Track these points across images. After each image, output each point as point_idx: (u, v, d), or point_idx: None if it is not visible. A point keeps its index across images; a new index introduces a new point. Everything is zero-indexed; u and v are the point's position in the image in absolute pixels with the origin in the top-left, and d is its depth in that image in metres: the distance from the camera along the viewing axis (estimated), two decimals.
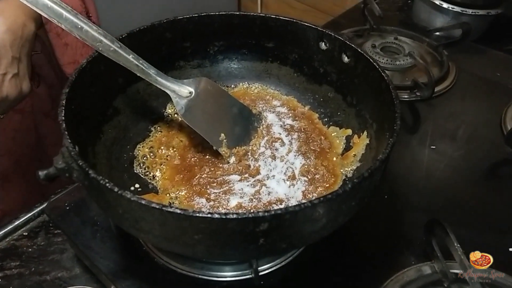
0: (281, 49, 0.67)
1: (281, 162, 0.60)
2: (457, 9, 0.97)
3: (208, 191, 0.56)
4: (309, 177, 0.57)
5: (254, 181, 0.57)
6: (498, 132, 0.77)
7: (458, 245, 0.50)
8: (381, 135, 0.54)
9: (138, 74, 0.55)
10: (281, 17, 0.64)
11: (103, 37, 0.51)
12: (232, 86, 0.71)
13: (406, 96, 0.83)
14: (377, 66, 0.55)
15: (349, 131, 0.62)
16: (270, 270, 0.54)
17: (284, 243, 0.43)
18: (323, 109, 0.67)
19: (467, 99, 0.86)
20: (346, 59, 0.61)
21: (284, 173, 0.58)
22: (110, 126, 0.60)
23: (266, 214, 0.38)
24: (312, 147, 0.61)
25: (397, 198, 0.65)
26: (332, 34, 0.61)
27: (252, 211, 0.51)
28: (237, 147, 0.61)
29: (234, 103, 0.64)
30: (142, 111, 0.65)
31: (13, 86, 0.63)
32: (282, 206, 0.54)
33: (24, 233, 0.60)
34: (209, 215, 0.38)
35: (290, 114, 0.67)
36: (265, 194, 0.55)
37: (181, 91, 0.58)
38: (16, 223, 0.61)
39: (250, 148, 0.61)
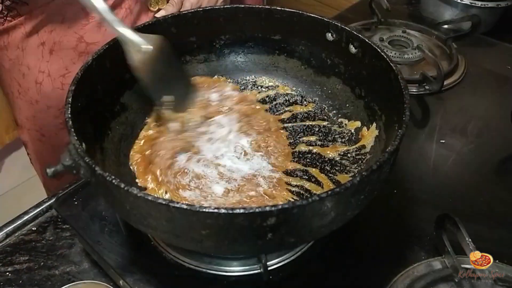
0: (288, 41, 0.66)
1: (222, 143, 0.60)
2: (466, 1, 0.95)
3: (182, 183, 0.56)
4: (263, 151, 0.59)
5: (204, 161, 0.57)
6: (508, 126, 0.75)
7: (470, 240, 0.50)
8: (390, 126, 0.53)
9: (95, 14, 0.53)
10: (287, 9, 0.63)
11: None
12: (239, 80, 0.70)
13: (414, 90, 0.82)
14: (385, 56, 0.54)
15: (358, 123, 0.62)
16: (279, 264, 0.53)
17: (292, 237, 0.42)
18: (331, 101, 0.66)
19: (476, 92, 0.84)
20: (353, 50, 0.60)
21: (234, 151, 0.59)
22: (117, 123, 0.60)
23: (273, 208, 0.38)
24: (256, 128, 0.62)
25: (406, 192, 0.65)
26: (339, 25, 0.60)
27: (259, 205, 0.51)
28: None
29: (182, 71, 0.64)
30: (150, 107, 0.64)
31: None
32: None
33: (33, 228, 0.60)
34: (215, 210, 0.37)
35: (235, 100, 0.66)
36: (234, 173, 0.56)
37: (138, 43, 0.54)
38: (25, 218, 0.61)
39: (189, 116, 0.61)
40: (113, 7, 0.71)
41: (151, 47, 0.54)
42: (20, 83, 0.73)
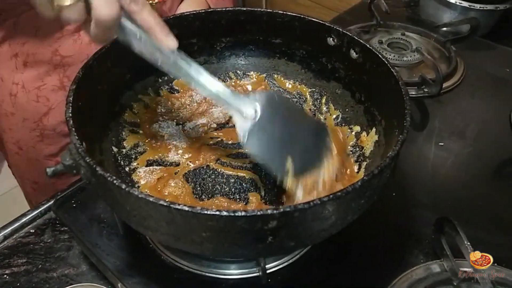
0: (289, 45, 0.66)
1: None
2: (465, 4, 0.96)
3: None
4: None
5: None
6: (507, 129, 0.76)
7: (468, 243, 0.50)
8: (390, 131, 0.53)
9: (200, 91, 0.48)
10: (288, 13, 0.63)
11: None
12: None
13: (413, 93, 0.82)
14: (386, 62, 0.54)
15: (358, 128, 0.62)
16: (277, 268, 0.53)
17: (292, 241, 0.42)
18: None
19: (475, 95, 0.85)
20: (354, 55, 0.60)
21: None
22: (117, 123, 0.59)
23: (274, 211, 0.38)
24: None
25: (405, 195, 0.65)
26: (340, 30, 0.60)
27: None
28: (305, 176, 0.50)
29: (305, 119, 0.55)
30: (150, 107, 0.64)
31: None
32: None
33: (31, 230, 0.60)
34: (217, 213, 0.37)
35: None
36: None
37: (246, 111, 0.49)
38: (22, 220, 0.61)
39: (322, 176, 0.50)
40: None
41: (259, 108, 0.48)
42: None
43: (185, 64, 0.47)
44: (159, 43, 0.45)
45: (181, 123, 0.64)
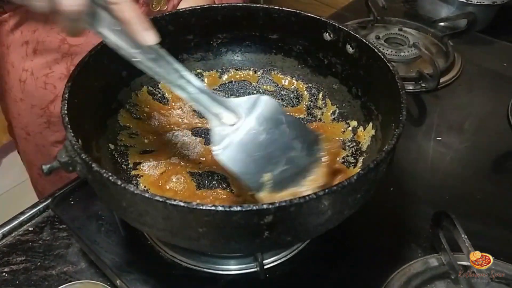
0: (285, 40, 0.66)
1: None
2: None
3: None
4: None
5: None
6: (504, 123, 0.76)
7: (466, 237, 0.50)
8: (387, 126, 0.53)
9: (176, 92, 0.45)
10: (285, 9, 0.63)
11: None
12: None
13: (411, 88, 0.82)
14: (382, 56, 0.54)
15: (355, 123, 0.62)
16: (275, 263, 0.53)
17: (289, 236, 0.42)
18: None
19: (473, 90, 0.85)
20: (350, 50, 0.60)
21: None
22: (114, 120, 0.59)
23: (270, 206, 0.38)
24: None
25: (403, 190, 0.65)
26: (336, 25, 0.60)
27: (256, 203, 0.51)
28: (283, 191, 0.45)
29: (296, 131, 0.46)
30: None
31: None
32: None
33: (30, 228, 0.60)
34: (212, 208, 0.37)
35: None
36: None
37: (225, 117, 0.44)
38: (21, 218, 0.61)
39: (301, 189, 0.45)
40: None
41: (242, 114, 0.43)
42: (6, 80, 0.73)
43: (164, 63, 0.43)
44: (136, 37, 0.41)
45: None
